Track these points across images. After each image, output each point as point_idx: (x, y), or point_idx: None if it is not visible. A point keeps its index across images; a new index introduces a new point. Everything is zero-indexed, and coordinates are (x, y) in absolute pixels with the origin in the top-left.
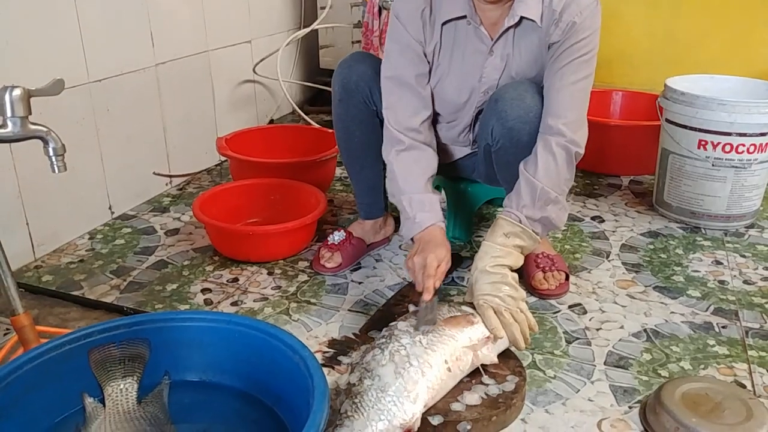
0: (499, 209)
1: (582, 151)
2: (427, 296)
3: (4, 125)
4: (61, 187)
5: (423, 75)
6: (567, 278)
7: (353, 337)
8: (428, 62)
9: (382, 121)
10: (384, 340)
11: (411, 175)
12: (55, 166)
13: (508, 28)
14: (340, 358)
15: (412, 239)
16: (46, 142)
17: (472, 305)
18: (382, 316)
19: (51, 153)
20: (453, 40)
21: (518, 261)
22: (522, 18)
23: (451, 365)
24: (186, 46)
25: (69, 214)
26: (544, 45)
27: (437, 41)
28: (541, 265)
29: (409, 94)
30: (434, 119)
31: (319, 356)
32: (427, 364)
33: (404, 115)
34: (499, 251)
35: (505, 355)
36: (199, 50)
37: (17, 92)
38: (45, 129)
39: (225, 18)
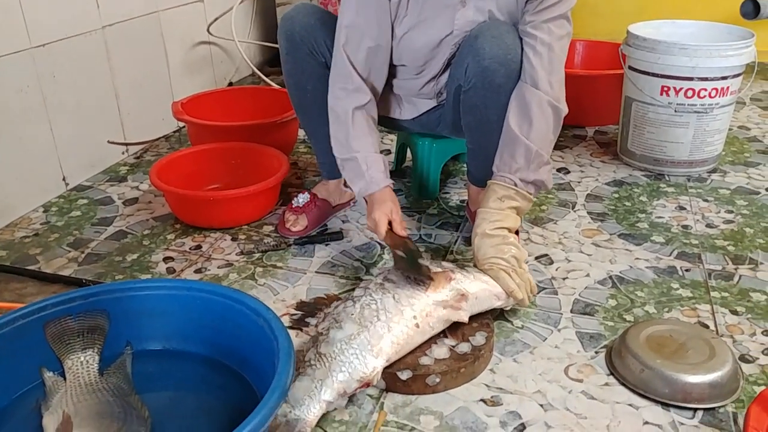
0: (465, 166)
1: (567, 110)
2: (402, 232)
3: None
4: (10, 159)
5: (384, 25)
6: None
7: (323, 297)
8: (391, 13)
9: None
10: (359, 292)
11: (366, 137)
12: None
13: None
14: (308, 320)
15: (364, 199)
16: None
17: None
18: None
19: None
20: None
21: (516, 222)
22: None
23: (420, 321)
24: (134, 7)
25: (20, 187)
26: (521, 1)
27: None
28: None
29: (369, 43)
30: (396, 72)
31: (286, 319)
32: (394, 319)
33: (363, 60)
34: (496, 215)
35: None
36: (148, 11)
37: None
38: None
39: None
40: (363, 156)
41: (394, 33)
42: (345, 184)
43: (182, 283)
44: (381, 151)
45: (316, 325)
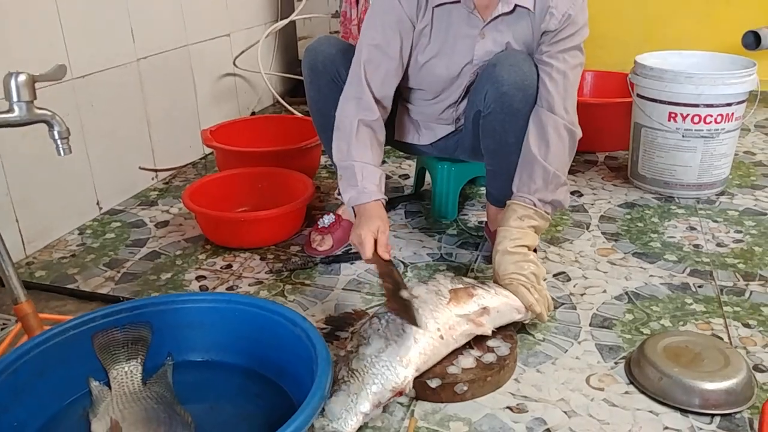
0: (482, 188)
1: (581, 133)
2: (386, 256)
3: (10, 110)
4: (49, 183)
5: (406, 50)
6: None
7: (351, 312)
8: (413, 40)
9: None
10: (383, 309)
11: (366, 150)
12: (60, 149)
13: (501, 14)
14: (337, 333)
15: (353, 208)
16: (51, 126)
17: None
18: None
19: (56, 136)
20: (445, 22)
21: (535, 240)
22: (516, 6)
23: (444, 333)
24: (166, 41)
25: (58, 210)
26: (537, 31)
27: (428, 22)
28: None
29: (389, 65)
30: (416, 97)
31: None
32: (419, 332)
33: (380, 80)
34: (516, 233)
35: None
36: (179, 44)
37: (22, 78)
38: (50, 113)
39: (203, 11)
40: (360, 166)
41: (415, 59)
42: (338, 193)
43: (222, 296)
44: (387, 172)
45: (345, 345)
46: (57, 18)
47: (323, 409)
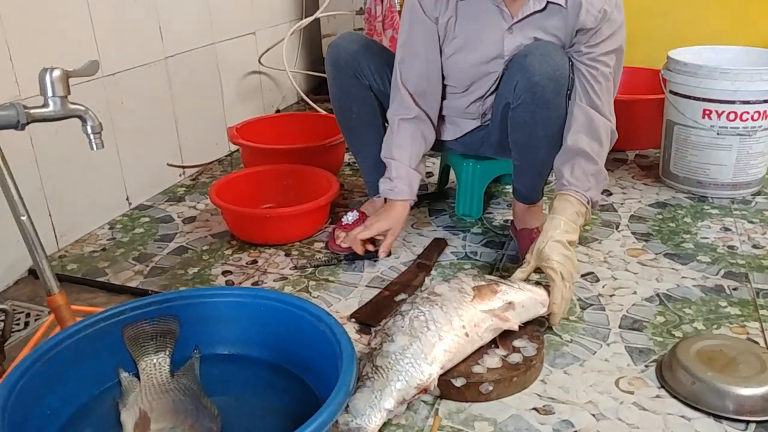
0: (508, 186)
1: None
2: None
3: (45, 105)
4: (81, 179)
5: (432, 45)
6: None
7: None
8: (439, 34)
9: (376, 95)
10: (407, 306)
11: (406, 149)
12: (93, 143)
13: (533, 12)
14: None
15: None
16: (84, 121)
17: (491, 279)
18: (382, 305)
19: (89, 131)
20: (471, 14)
21: (577, 239)
22: (548, 2)
23: (469, 330)
24: (193, 39)
25: (89, 205)
26: (570, 28)
27: (452, 14)
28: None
29: (420, 62)
30: (444, 91)
31: (350, 327)
32: (444, 329)
33: (414, 78)
34: (570, 227)
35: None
36: (206, 43)
37: (57, 73)
38: (83, 108)
39: (229, 10)
40: (396, 165)
41: (443, 52)
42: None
43: (249, 290)
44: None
45: (369, 343)
46: (89, 17)
47: (347, 405)
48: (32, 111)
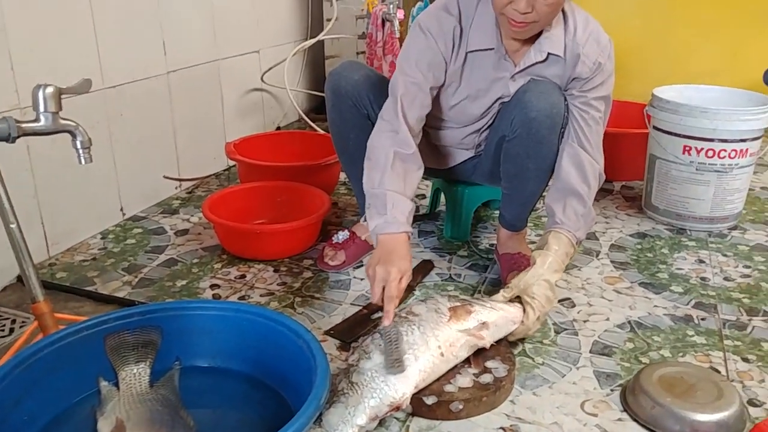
0: (496, 211)
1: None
2: (386, 321)
3: (37, 119)
4: (76, 188)
5: (436, 88)
6: None
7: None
8: (445, 80)
9: (373, 123)
10: (386, 327)
11: (400, 180)
12: (81, 158)
13: (535, 63)
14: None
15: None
16: (74, 136)
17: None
18: (357, 322)
19: (78, 146)
20: (476, 66)
21: (560, 278)
22: (549, 54)
23: (445, 350)
24: (197, 55)
25: (82, 214)
26: (567, 77)
27: (460, 66)
28: (518, 265)
29: (424, 100)
30: (439, 125)
31: (330, 343)
32: (420, 349)
33: (416, 114)
34: (558, 266)
35: (496, 343)
36: (209, 59)
37: (49, 90)
38: (74, 124)
39: (234, 28)
40: (392, 195)
41: (446, 100)
42: (364, 220)
43: (230, 304)
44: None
45: (346, 359)
46: (92, 29)
47: (320, 420)
48: (23, 125)
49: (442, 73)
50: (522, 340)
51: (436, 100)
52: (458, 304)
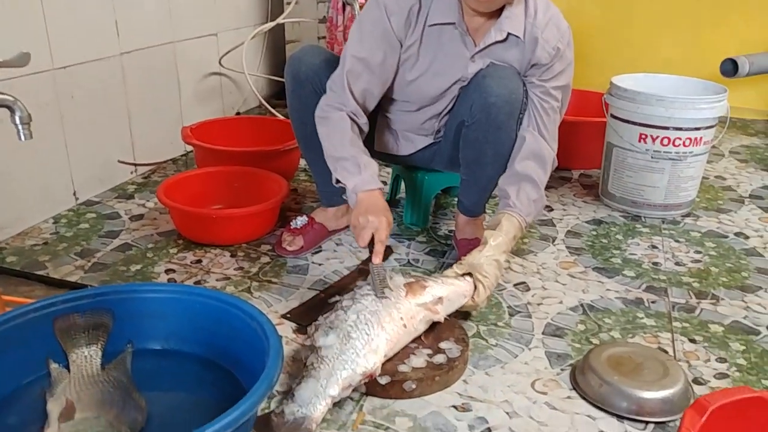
0: (455, 199)
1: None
2: (377, 260)
3: None
4: (26, 171)
5: (390, 66)
6: None
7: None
8: (400, 56)
9: None
10: (348, 302)
11: (360, 146)
12: (21, 134)
13: (495, 42)
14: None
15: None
16: (12, 111)
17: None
18: (314, 306)
19: (18, 121)
20: (436, 41)
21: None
22: (509, 34)
23: (407, 322)
24: (151, 37)
25: (33, 199)
26: (526, 61)
27: (417, 39)
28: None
29: (371, 77)
30: (398, 107)
31: (287, 326)
32: (386, 320)
33: (360, 91)
34: (507, 247)
35: (451, 325)
36: (164, 41)
37: None
38: (12, 98)
39: (191, 10)
40: (360, 158)
41: (402, 76)
42: (337, 182)
43: (182, 287)
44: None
45: (309, 336)
46: (40, 8)
47: (293, 395)
48: None
49: (393, 51)
50: (477, 322)
51: (397, 81)
52: (412, 280)
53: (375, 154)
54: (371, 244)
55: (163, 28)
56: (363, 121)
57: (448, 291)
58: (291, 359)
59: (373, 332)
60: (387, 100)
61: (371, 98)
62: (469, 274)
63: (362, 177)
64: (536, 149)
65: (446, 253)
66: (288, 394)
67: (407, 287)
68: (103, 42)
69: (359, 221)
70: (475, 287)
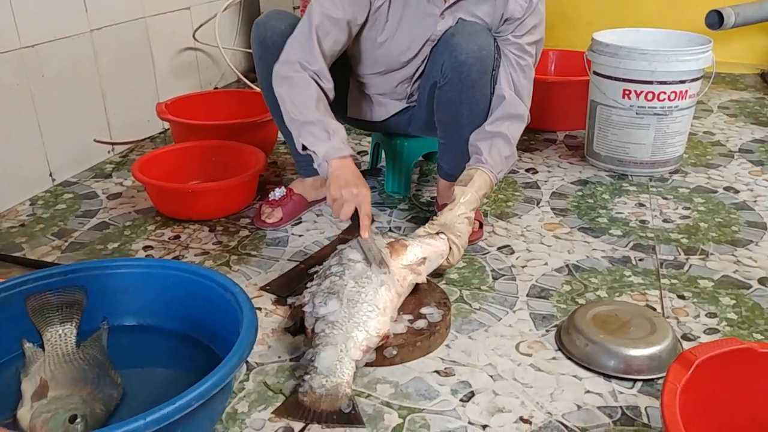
0: (434, 165)
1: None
2: (366, 234)
3: None
4: (0, 154)
5: (356, 26)
6: (481, 226)
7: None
8: (368, 17)
9: None
10: (337, 268)
11: (327, 110)
12: None
13: None
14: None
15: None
16: None
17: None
18: (294, 277)
19: None
20: (404, 1)
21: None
22: None
23: (402, 283)
24: (121, 12)
25: (8, 181)
26: (498, 15)
27: (385, 0)
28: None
29: (339, 36)
30: (369, 71)
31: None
32: (382, 282)
33: (329, 49)
34: (477, 204)
35: (431, 290)
36: (135, 16)
37: None
38: None
39: None
40: (328, 122)
41: (373, 39)
42: (303, 149)
43: (155, 261)
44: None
45: (301, 306)
46: None
47: (315, 367)
48: None
49: (362, 11)
50: (460, 287)
51: (365, 39)
52: (392, 239)
53: (349, 120)
54: (353, 217)
55: (133, 3)
56: (329, 86)
57: (428, 251)
58: (271, 330)
59: (378, 296)
60: (358, 63)
61: (333, 59)
62: (442, 233)
63: (332, 143)
64: (509, 106)
65: (428, 219)
66: (306, 369)
67: (389, 246)
68: (71, 19)
69: (341, 194)
70: (449, 248)
